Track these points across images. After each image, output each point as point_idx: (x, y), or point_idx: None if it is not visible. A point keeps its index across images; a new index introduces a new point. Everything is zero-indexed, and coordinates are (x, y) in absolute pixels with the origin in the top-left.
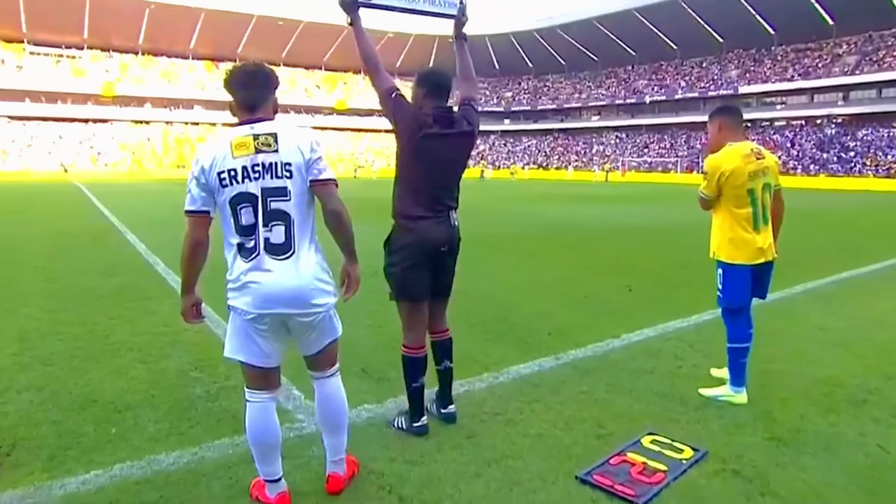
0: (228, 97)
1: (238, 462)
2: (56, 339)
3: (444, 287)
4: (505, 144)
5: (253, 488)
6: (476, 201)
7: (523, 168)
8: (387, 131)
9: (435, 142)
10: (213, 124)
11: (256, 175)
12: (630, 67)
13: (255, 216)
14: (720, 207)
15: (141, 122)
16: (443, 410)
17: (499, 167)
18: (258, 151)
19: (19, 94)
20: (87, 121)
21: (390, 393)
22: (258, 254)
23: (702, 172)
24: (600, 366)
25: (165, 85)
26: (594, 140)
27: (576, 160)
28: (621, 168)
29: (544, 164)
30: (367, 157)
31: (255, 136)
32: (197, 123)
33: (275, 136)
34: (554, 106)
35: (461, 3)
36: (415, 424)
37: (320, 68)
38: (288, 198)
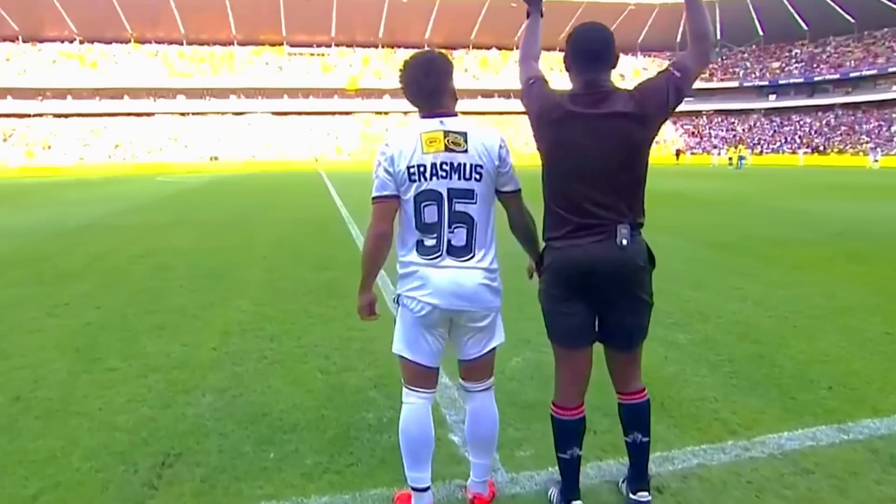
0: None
1: None
2: (253, 337)
3: (623, 334)
4: (770, 124)
5: (397, 501)
6: (733, 194)
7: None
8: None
9: (570, 125)
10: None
11: (444, 174)
12: None
13: (440, 216)
14: None
15: (381, 112)
16: (631, 496)
17: (761, 152)
18: (448, 150)
19: (279, 91)
20: (333, 113)
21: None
22: (440, 254)
23: None
24: None
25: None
26: None
27: (868, 141)
28: None
29: (822, 148)
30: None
31: (446, 134)
32: None
33: (465, 135)
34: (836, 76)
35: None
36: None
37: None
38: (474, 201)
